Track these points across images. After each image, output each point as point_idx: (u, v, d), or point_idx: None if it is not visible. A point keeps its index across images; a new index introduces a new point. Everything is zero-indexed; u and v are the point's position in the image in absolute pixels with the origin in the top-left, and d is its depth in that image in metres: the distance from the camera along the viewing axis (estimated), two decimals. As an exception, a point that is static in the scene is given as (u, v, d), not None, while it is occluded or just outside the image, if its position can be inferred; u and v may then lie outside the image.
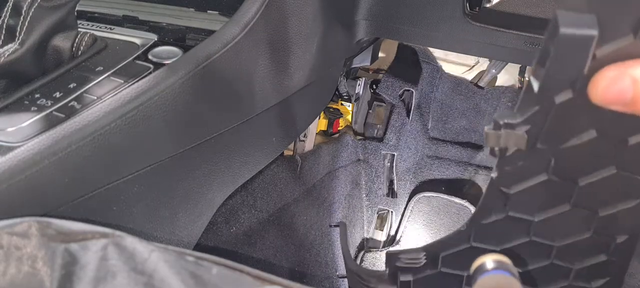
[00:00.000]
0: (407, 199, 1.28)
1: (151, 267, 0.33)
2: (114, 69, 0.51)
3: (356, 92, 1.27)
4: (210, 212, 0.64)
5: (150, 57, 0.54)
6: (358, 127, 1.31)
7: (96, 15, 0.67)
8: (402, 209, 1.28)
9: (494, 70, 1.22)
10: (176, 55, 0.54)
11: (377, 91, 1.28)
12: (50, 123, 0.44)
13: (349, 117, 1.29)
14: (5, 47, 0.48)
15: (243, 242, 0.98)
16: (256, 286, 0.33)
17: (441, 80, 1.30)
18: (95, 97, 0.47)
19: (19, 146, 0.41)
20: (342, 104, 1.27)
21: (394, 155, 1.28)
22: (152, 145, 0.50)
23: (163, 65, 0.52)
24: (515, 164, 0.35)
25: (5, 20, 0.48)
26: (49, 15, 0.49)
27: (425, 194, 1.25)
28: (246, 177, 0.69)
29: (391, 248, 1.26)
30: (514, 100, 1.23)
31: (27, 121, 0.45)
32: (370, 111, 1.32)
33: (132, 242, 0.35)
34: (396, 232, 1.28)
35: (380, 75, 1.29)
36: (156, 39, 0.57)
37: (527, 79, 0.31)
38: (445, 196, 1.23)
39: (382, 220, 1.31)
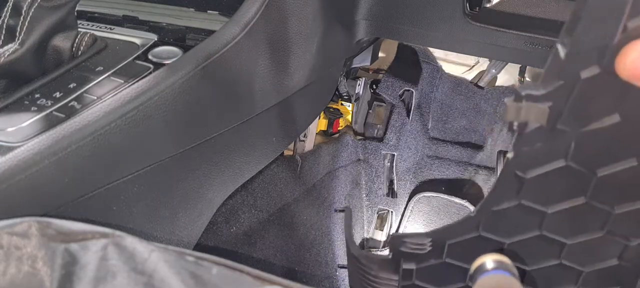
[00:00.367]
0: (407, 199, 1.28)
1: (151, 267, 0.33)
2: (114, 69, 0.51)
3: (356, 92, 1.27)
4: (210, 212, 0.64)
5: (150, 57, 0.54)
6: (358, 127, 1.31)
7: (96, 15, 0.67)
8: (402, 209, 1.28)
9: (494, 70, 1.22)
10: (176, 55, 0.54)
11: (377, 91, 1.28)
12: (50, 123, 0.44)
13: (349, 117, 1.29)
14: (5, 47, 0.48)
15: (243, 242, 0.98)
16: (256, 286, 0.33)
17: (441, 80, 1.30)
18: (95, 97, 0.47)
19: (19, 146, 0.41)
20: (342, 104, 1.27)
21: (394, 155, 1.28)
22: (152, 145, 0.50)
23: (163, 65, 0.52)
24: (533, 145, 0.33)
25: (5, 20, 0.48)
26: (49, 15, 0.49)
27: (425, 194, 1.25)
28: (246, 177, 0.69)
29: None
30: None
31: (27, 121, 0.45)
32: (370, 111, 1.32)
33: (132, 242, 0.35)
34: (396, 232, 1.28)
35: (380, 75, 1.29)
36: (156, 39, 0.57)
37: (555, 47, 0.30)
38: (445, 196, 1.23)
39: (382, 220, 1.31)
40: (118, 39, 0.58)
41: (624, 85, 0.29)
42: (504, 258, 0.39)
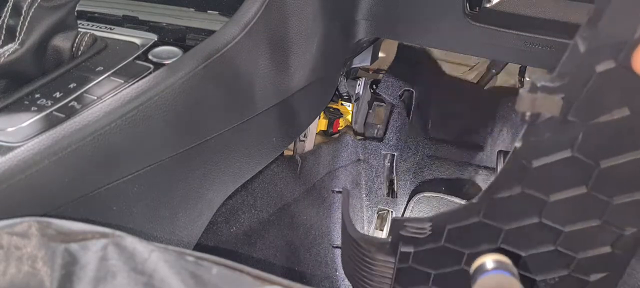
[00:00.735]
0: (407, 199, 1.28)
1: (151, 267, 0.33)
2: (114, 69, 0.51)
3: (356, 92, 1.27)
4: (210, 212, 0.64)
5: (150, 57, 0.54)
6: (358, 127, 1.31)
7: (96, 15, 0.67)
8: (402, 209, 1.28)
9: (494, 70, 1.22)
10: (176, 55, 0.54)
11: (377, 91, 1.27)
12: (50, 123, 0.44)
13: (349, 117, 1.29)
14: (5, 47, 0.48)
15: (243, 242, 0.98)
16: (256, 286, 0.33)
17: (441, 80, 1.30)
18: (95, 97, 0.47)
19: (19, 146, 0.41)
20: (342, 104, 1.27)
21: (394, 155, 1.28)
22: (152, 145, 0.50)
23: (163, 65, 0.52)
24: (542, 135, 0.34)
25: (5, 20, 0.48)
26: (49, 15, 0.49)
27: (425, 194, 1.25)
28: (246, 177, 0.69)
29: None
30: (514, 101, 1.23)
31: (27, 121, 0.45)
32: (370, 111, 1.32)
33: (132, 242, 0.35)
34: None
35: (380, 75, 1.29)
36: (156, 39, 0.57)
37: (573, 41, 0.30)
38: (445, 196, 1.23)
39: (382, 220, 1.31)
40: (118, 39, 0.58)
41: (637, 79, 0.29)
42: (504, 258, 0.39)
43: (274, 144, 0.74)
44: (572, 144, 0.34)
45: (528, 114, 0.33)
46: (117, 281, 0.33)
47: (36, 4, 0.48)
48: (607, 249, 0.41)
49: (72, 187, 0.43)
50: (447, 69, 1.30)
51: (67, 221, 0.36)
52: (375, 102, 1.31)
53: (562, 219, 0.39)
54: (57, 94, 0.48)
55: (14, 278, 0.33)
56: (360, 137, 1.30)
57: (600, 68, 0.30)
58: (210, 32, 0.56)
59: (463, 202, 1.21)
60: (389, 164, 1.29)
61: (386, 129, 1.28)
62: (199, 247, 0.63)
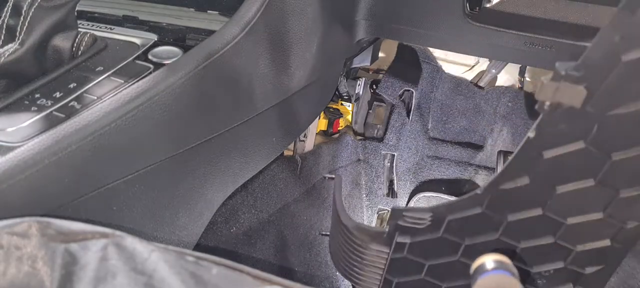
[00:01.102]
0: (407, 199, 1.28)
1: (151, 267, 0.33)
2: (114, 69, 0.51)
3: (356, 92, 1.27)
4: (210, 212, 0.64)
5: (150, 57, 0.54)
6: (358, 127, 1.31)
7: (96, 15, 0.67)
8: (402, 209, 1.28)
9: (494, 70, 1.22)
10: (176, 55, 0.54)
11: (377, 91, 1.27)
12: (50, 123, 0.44)
13: (349, 117, 1.29)
14: (5, 47, 0.48)
15: (243, 242, 0.98)
16: (256, 286, 0.33)
17: (441, 80, 1.30)
18: (95, 97, 0.47)
19: (19, 146, 0.41)
20: (342, 104, 1.27)
21: (394, 155, 1.28)
22: (152, 145, 0.50)
23: (163, 65, 0.52)
24: (557, 126, 0.34)
25: (5, 20, 0.48)
26: (49, 15, 0.49)
27: (425, 194, 1.25)
28: (246, 177, 0.69)
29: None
30: (514, 100, 1.23)
31: (27, 121, 0.45)
32: (370, 111, 1.32)
33: (132, 242, 0.35)
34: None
35: (380, 75, 1.29)
36: (156, 39, 0.57)
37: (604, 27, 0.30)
38: (445, 196, 1.23)
39: (382, 220, 1.31)
40: (118, 39, 0.58)
41: None
42: (504, 258, 0.39)
43: (274, 143, 0.74)
44: (586, 135, 0.34)
45: (547, 103, 0.32)
46: (117, 281, 0.33)
47: (36, 4, 0.48)
48: (606, 243, 0.41)
49: (72, 187, 0.43)
50: (447, 69, 1.30)
51: (67, 221, 0.36)
52: (375, 102, 1.31)
53: (566, 212, 0.39)
54: (57, 94, 0.48)
55: (14, 278, 0.33)
56: (360, 137, 1.30)
57: (626, 57, 0.29)
58: (210, 32, 0.56)
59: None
60: (389, 164, 1.29)
61: (386, 129, 1.28)
62: (199, 247, 0.63)
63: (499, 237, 0.41)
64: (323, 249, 1.17)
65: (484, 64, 1.25)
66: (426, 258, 0.44)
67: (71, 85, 0.49)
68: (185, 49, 0.54)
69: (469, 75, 1.29)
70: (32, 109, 0.46)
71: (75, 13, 0.53)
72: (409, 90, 1.27)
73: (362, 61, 1.04)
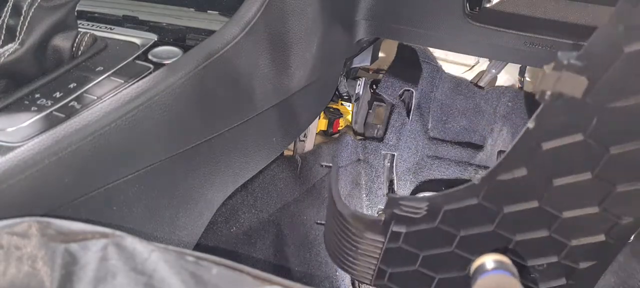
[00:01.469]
0: (407, 199, 1.28)
1: (151, 267, 0.33)
2: (114, 69, 0.51)
3: (356, 92, 1.27)
4: (210, 212, 0.64)
5: (150, 57, 0.54)
6: (358, 127, 1.31)
7: (96, 15, 0.67)
8: (402, 209, 1.28)
9: (494, 70, 1.22)
10: (176, 55, 0.54)
11: (377, 91, 1.27)
12: (50, 123, 0.44)
13: (349, 117, 1.29)
14: (5, 47, 0.48)
15: (243, 242, 0.98)
16: (256, 286, 0.33)
17: (441, 80, 1.30)
18: (95, 97, 0.47)
19: (19, 146, 0.41)
20: (342, 104, 1.27)
21: (394, 155, 1.28)
22: (152, 145, 0.50)
23: (163, 65, 0.52)
24: (557, 117, 0.33)
25: (5, 20, 0.48)
26: (49, 15, 0.49)
27: (425, 194, 1.25)
28: (246, 177, 0.69)
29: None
30: (514, 100, 1.23)
31: (27, 121, 0.45)
32: (370, 111, 1.32)
33: (132, 242, 0.35)
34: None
35: (380, 75, 1.29)
36: (156, 39, 0.57)
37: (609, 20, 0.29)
38: (445, 196, 1.23)
39: (382, 220, 1.31)
40: (118, 39, 0.58)
41: None
42: (504, 258, 0.39)
43: (274, 144, 0.74)
44: (586, 127, 0.34)
45: (548, 93, 0.32)
46: (117, 281, 0.33)
47: (36, 4, 0.48)
48: (601, 238, 0.41)
49: (72, 187, 0.43)
50: (447, 69, 1.30)
51: (67, 221, 0.36)
52: (375, 102, 1.31)
53: (562, 205, 0.39)
54: (57, 94, 0.48)
55: (14, 278, 0.33)
56: (360, 137, 1.30)
57: (629, 49, 0.29)
58: (210, 32, 0.56)
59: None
60: (389, 164, 1.29)
61: (386, 129, 1.28)
62: (199, 247, 0.63)
63: (494, 229, 0.41)
64: (323, 249, 1.17)
65: (484, 64, 1.25)
66: (421, 248, 0.43)
67: (71, 85, 0.49)
68: (185, 49, 0.54)
69: (469, 75, 1.29)
70: (32, 109, 0.46)
71: (75, 13, 0.53)
72: (409, 90, 1.27)
73: (362, 61, 1.04)
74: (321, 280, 1.16)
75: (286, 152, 1.14)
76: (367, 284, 0.46)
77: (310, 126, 1.13)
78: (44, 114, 0.46)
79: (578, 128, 0.34)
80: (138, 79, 0.49)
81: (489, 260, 0.39)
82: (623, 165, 0.35)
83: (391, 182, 1.30)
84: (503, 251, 0.41)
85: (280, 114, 0.71)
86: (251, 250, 0.99)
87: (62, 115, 0.45)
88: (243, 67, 0.58)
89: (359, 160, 1.28)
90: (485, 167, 1.24)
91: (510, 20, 0.70)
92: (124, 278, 0.33)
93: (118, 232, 0.36)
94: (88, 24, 0.63)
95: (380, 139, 1.29)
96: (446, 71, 1.30)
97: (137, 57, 0.54)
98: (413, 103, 1.27)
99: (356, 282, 1.26)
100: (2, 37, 0.49)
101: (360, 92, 1.27)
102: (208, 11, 0.66)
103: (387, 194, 1.29)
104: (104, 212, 0.47)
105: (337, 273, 1.19)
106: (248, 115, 0.63)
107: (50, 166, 0.41)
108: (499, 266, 0.38)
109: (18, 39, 0.48)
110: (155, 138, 0.50)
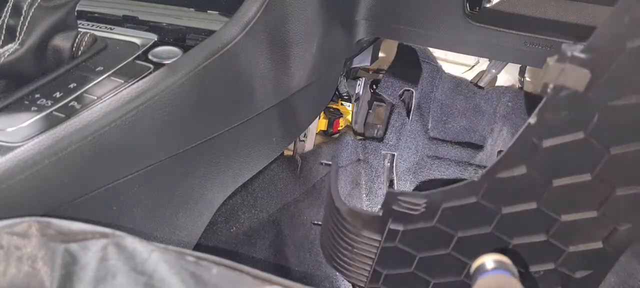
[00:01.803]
0: (407, 199, 1.28)
1: (151, 267, 0.33)
2: (114, 69, 0.51)
3: (356, 92, 1.27)
4: (210, 212, 0.64)
5: (150, 57, 0.54)
6: (358, 127, 1.31)
7: (96, 15, 0.67)
8: (402, 209, 1.28)
9: (494, 70, 1.22)
10: (176, 55, 0.54)
11: (377, 91, 1.27)
12: (50, 123, 0.44)
13: (349, 117, 1.29)
14: (5, 47, 0.48)
15: (243, 242, 0.98)
16: (256, 286, 0.33)
17: (441, 80, 1.30)
18: (95, 97, 0.47)
19: (19, 146, 0.41)
20: (342, 104, 1.27)
21: (394, 155, 1.28)
22: (152, 145, 0.50)
23: (163, 65, 0.52)
24: (559, 113, 0.33)
25: (5, 20, 0.48)
26: (49, 15, 0.49)
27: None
28: (246, 177, 0.69)
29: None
30: (514, 100, 1.23)
31: (27, 121, 0.45)
32: (370, 111, 1.32)
33: (132, 242, 0.35)
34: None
35: (380, 75, 1.29)
36: (156, 39, 0.57)
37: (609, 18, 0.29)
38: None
39: (382, 220, 1.31)
40: (118, 39, 0.58)
41: None
42: (504, 258, 0.39)
43: (274, 144, 0.74)
44: (586, 125, 0.33)
45: (551, 86, 0.32)
46: (117, 281, 0.33)
47: (36, 4, 0.48)
48: (598, 245, 0.40)
49: (72, 187, 0.43)
50: (447, 69, 1.30)
51: (67, 221, 0.36)
52: (375, 102, 1.31)
53: (560, 207, 0.38)
54: (57, 94, 0.48)
55: (14, 278, 0.33)
56: (360, 137, 1.30)
57: (631, 44, 0.29)
58: (210, 32, 0.56)
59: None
60: (389, 164, 1.29)
61: (386, 129, 1.28)
62: (199, 247, 0.63)
63: (491, 231, 0.41)
64: (323, 249, 1.17)
65: (484, 64, 1.25)
66: (417, 249, 0.43)
67: (71, 85, 0.49)
68: (185, 49, 0.54)
69: (469, 75, 1.29)
70: (32, 109, 0.46)
71: (75, 13, 0.53)
72: (409, 90, 1.27)
73: (362, 61, 1.04)
74: (321, 280, 1.16)
75: (286, 152, 1.14)
76: (361, 287, 0.46)
77: (310, 126, 1.13)
78: (44, 114, 0.46)
79: (579, 125, 0.34)
80: (138, 79, 0.49)
81: (489, 260, 0.39)
82: (623, 168, 0.35)
83: (391, 182, 1.30)
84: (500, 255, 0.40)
85: (280, 114, 0.71)
86: (251, 250, 0.99)
87: (62, 115, 0.45)
88: (243, 67, 0.58)
89: (359, 160, 1.28)
90: (486, 167, 1.24)
91: (510, 20, 0.70)
92: (124, 278, 0.33)
93: (118, 232, 0.36)
94: (88, 24, 0.63)
95: (380, 139, 1.29)
96: (446, 71, 1.30)
97: (137, 57, 0.54)
98: (413, 103, 1.27)
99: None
100: (2, 37, 0.49)
101: (360, 92, 1.27)
102: (208, 11, 0.66)
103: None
104: (104, 212, 0.47)
105: (337, 274, 1.19)
106: (248, 115, 0.63)
107: (50, 166, 0.41)
108: (499, 266, 0.38)
109: (18, 39, 0.48)
110: (155, 138, 0.50)
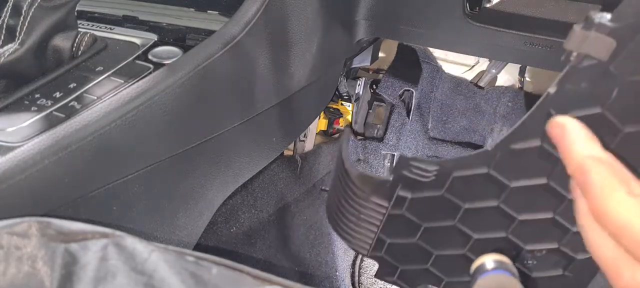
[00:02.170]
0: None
1: (151, 267, 0.33)
2: (114, 69, 0.51)
3: (356, 92, 1.27)
4: (210, 212, 0.64)
5: (150, 57, 0.54)
6: (358, 127, 1.31)
7: (96, 15, 0.68)
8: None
9: (494, 70, 1.22)
10: (176, 55, 0.54)
11: (377, 91, 1.28)
12: (50, 123, 0.44)
13: (349, 117, 1.29)
14: (5, 47, 0.48)
15: (243, 242, 0.98)
16: (256, 286, 0.33)
17: (441, 80, 1.30)
18: (95, 97, 0.47)
19: (19, 146, 0.41)
20: (342, 104, 1.27)
21: (394, 155, 1.28)
22: (152, 145, 0.50)
23: (163, 65, 0.52)
24: (579, 84, 0.33)
25: (5, 20, 0.48)
26: (49, 15, 0.49)
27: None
28: (246, 177, 0.69)
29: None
30: (514, 100, 1.23)
31: (27, 121, 0.45)
32: (370, 111, 1.32)
33: (132, 242, 0.35)
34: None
35: (380, 75, 1.29)
36: (156, 39, 0.57)
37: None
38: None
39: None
40: (118, 39, 0.58)
41: None
42: (504, 258, 0.39)
43: (274, 144, 0.74)
44: (605, 99, 0.33)
45: (574, 54, 0.31)
46: (117, 281, 0.33)
47: (36, 4, 0.48)
48: None
49: (72, 187, 0.43)
50: (447, 69, 1.30)
51: (67, 221, 0.36)
52: (375, 102, 1.31)
53: (567, 187, 0.38)
54: (57, 94, 0.48)
55: (14, 278, 0.33)
56: (360, 137, 1.30)
57: None
58: (210, 32, 0.56)
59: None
60: (389, 164, 1.29)
61: (386, 129, 1.28)
62: (199, 247, 0.63)
63: (499, 204, 0.40)
64: (323, 249, 1.17)
65: (484, 64, 1.25)
66: (423, 219, 0.43)
67: (71, 85, 0.49)
68: (185, 49, 0.54)
69: (469, 75, 1.29)
70: (32, 109, 0.46)
71: (75, 13, 0.53)
72: (409, 90, 1.27)
73: (362, 61, 1.04)
74: (321, 280, 1.16)
75: (286, 152, 1.14)
76: (364, 255, 0.46)
77: (310, 126, 1.13)
78: (44, 114, 0.46)
79: (596, 100, 0.33)
80: (138, 79, 0.49)
81: (489, 260, 0.39)
82: (635, 147, 0.35)
83: (391, 182, 1.30)
84: (505, 230, 0.40)
85: (281, 113, 0.71)
86: (251, 250, 0.99)
87: (62, 115, 0.45)
88: (243, 67, 0.58)
89: (359, 160, 1.28)
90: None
91: (510, 20, 0.70)
92: (124, 278, 0.33)
93: (118, 232, 0.36)
94: (88, 24, 0.63)
95: (380, 139, 1.29)
96: (446, 71, 1.30)
97: (137, 57, 0.54)
98: (413, 103, 1.27)
99: (356, 282, 1.26)
100: (2, 37, 0.49)
101: (360, 92, 1.27)
102: (208, 11, 0.66)
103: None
104: (104, 212, 0.47)
105: (337, 273, 1.19)
106: (248, 115, 0.63)
107: (50, 166, 0.41)
108: (499, 266, 0.38)
109: (18, 39, 0.48)
110: (155, 138, 0.50)
